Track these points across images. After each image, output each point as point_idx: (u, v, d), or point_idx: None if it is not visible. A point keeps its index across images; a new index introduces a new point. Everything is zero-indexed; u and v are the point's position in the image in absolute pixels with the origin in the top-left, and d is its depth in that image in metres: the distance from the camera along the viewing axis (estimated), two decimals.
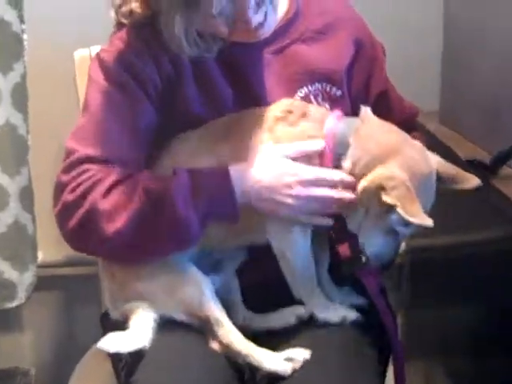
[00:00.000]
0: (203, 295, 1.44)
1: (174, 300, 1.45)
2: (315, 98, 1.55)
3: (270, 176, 1.39)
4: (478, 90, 1.74)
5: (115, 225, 1.37)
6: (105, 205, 1.38)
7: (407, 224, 1.33)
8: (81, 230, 1.40)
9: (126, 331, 1.42)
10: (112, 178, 1.40)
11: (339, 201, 1.39)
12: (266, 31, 1.48)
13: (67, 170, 1.41)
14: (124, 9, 1.51)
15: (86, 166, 1.41)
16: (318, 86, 1.56)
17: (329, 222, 1.41)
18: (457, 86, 1.87)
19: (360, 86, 1.61)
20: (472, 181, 1.42)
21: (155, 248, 1.42)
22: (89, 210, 1.38)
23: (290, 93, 1.53)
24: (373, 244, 1.39)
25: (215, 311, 1.44)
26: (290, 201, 1.38)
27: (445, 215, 1.99)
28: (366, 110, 1.46)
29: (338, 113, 1.49)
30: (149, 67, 1.48)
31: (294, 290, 1.49)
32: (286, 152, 1.41)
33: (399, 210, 1.29)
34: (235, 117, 1.51)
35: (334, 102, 1.56)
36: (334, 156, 1.41)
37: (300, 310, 1.51)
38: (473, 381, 1.86)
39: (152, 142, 1.51)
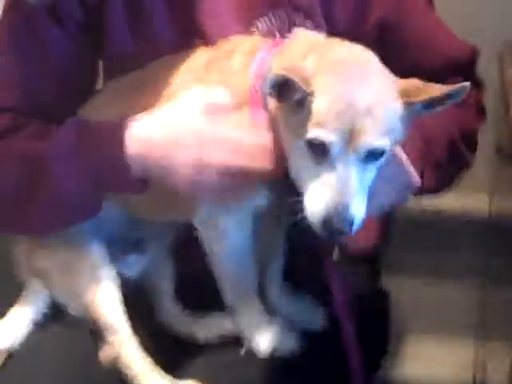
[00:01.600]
0: (97, 287, 1.11)
1: (66, 286, 1.14)
2: (280, 32, 1.13)
3: (166, 132, 1.01)
4: None
5: None
6: None
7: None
8: None
9: None
10: None
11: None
12: None
13: None
14: None
15: None
16: (282, 15, 1.14)
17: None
18: None
19: (348, 13, 1.15)
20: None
21: (39, 225, 1.10)
22: None
23: (246, 24, 1.16)
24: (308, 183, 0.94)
25: (109, 311, 1.10)
26: (184, 171, 0.99)
27: None
28: (297, 30, 1.05)
29: (274, 40, 1.08)
30: None
31: (224, 295, 1.12)
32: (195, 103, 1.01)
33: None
34: (164, 61, 1.13)
35: None
36: (263, 95, 1.00)
37: (225, 325, 1.15)
38: None
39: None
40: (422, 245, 1.96)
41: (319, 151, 0.90)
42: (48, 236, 1.14)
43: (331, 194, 0.90)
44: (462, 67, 1.20)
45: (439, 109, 0.94)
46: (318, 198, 0.91)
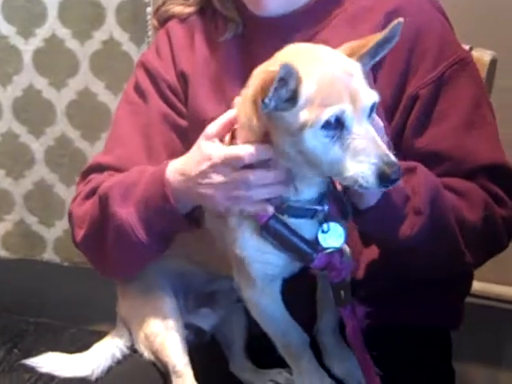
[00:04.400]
0: (166, 335, 1.22)
1: (141, 333, 1.25)
2: None
3: (187, 164, 1.13)
4: None
5: (81, 232, 1.27)
6: (78, 212, 1.29)
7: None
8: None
9: (75, 355, 1.29)
10: (92, 185, 1.28)
11: (259, 180, 1.05)
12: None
13: (79, 180, 1.37)
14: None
15: (91, 176, 1.32)
16: None
17: (269, 208, 1.06)
18: None
19: (390, 82, 1.22)
20: None
21: (112, 255, 1.24)
22: (70, 219, 1.32)
23: None
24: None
25: (175, 357, 1.21)
26: (210, 191, 1.09)
27: None
28: None
29: None
30: (166, 66, 1.34)
31: (278, 349, 1.16)
32: (208, 131, 1.10)
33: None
34: None
35: None
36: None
37: (279, 377, 1.23)
38: None
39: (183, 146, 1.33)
40: None
41: (333, 128, 0.95)
42: (130, 288, 1.29)
43: (369, 152, 0.94)
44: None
45: (382, 54, 1.01)
46: (359, 163, 0.94)
